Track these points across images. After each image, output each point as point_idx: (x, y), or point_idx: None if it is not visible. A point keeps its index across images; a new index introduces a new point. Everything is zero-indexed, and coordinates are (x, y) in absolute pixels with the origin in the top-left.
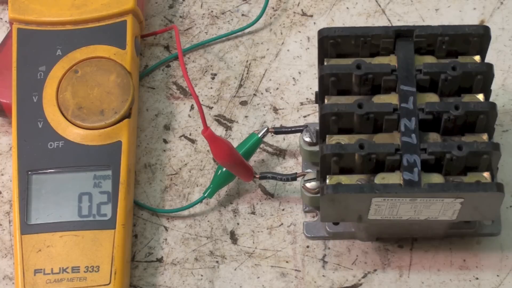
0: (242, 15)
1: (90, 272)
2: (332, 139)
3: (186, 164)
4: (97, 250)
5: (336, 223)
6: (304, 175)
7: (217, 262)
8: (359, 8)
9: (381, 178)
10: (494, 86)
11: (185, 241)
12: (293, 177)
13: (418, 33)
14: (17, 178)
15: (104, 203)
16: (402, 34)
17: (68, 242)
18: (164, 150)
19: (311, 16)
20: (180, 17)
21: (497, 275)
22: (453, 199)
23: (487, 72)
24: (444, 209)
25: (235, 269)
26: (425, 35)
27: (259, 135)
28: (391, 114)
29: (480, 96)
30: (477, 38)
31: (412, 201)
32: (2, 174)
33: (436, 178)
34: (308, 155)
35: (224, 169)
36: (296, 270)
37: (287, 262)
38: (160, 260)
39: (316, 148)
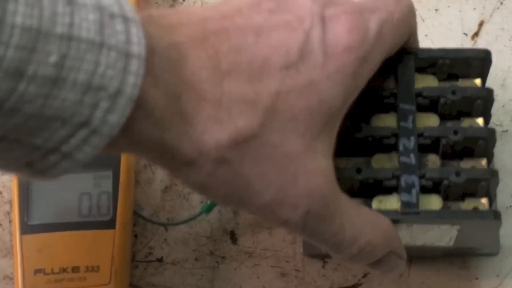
0: None
1: (90, 272)
2: None
3: None
4: (97, 250)
5: None
6: None
7: (217, 262)
8: None
9: (378, 202)
10: (494, 86)
11: (185, 241)
12: None
13: (418, 56)
14: (17, 178)
15: (104, 203)
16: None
17: (68, 242)
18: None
19: None
20: None
21: (497, 275)
22: (449, 225)
23: (487, 97)
24: (440, 236)
25: (235, 269)
26: (426, 58)
27: None
28: (389, 138)
29: (480, 120)
30: (478, 61)
31: (408, 226)
32: (2, 174)
33: (434, 199)
34: None
35: None
36: (296, 270)
37: (287, 262)
38: (160, 260)
39: None
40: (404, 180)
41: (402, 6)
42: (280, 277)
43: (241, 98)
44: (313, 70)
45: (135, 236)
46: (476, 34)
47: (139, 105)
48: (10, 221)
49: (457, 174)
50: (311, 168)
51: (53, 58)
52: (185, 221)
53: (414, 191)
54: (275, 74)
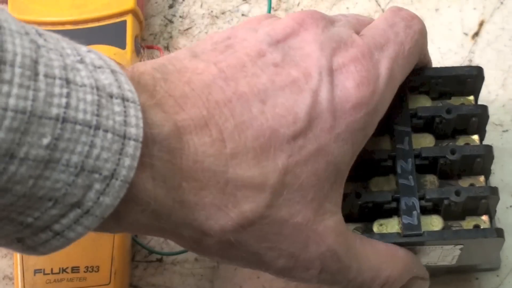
0: (242, 15)
1: (90, 272)
2: None
3: None
4: (97, 250)
5: None
6: None
7: (217, 262)
8: (359, 8)
9: (378, 225)
10: (494, 86)
11: None
12: None
13: (410, 77)
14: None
15: None
16: None
17: None
18: None
19: None
20: (180, 17)
21: (497, 275)
22: (452, 245)
23: (482, 114)
24: (443, 255)
25: (235, 269)
26: (418, 77)
27: None
28: (386, 160)
29: (475, 137)
30: (470, 79)
31: (410, 249)
32: None
33: (435, 220)
34: None
35: None
36: None
37: None
38: (160, 260)
39: None
40: (404, 202)
41: (413, 32)
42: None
43: (246, 183)
44: (321, 134)
45: (135, 236)
46: (476, 34)
47: (135, 198)
48: None
49: (457, 193)
50: (321, 231)
51: (46, 140)
52: (180, 252)
53: (415, 213)
54: (282, 147)
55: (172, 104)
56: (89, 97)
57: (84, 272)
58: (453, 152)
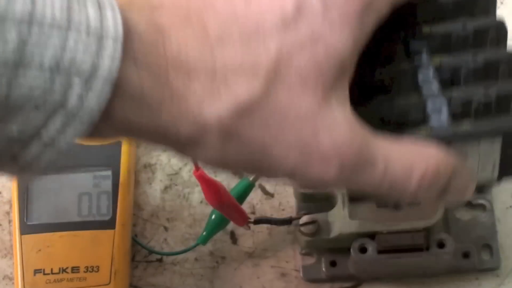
0: None
1: (89, 272)
2: None
3: (186, 163)
4: (97, 250)
5: (333, 265)
6: (299, 218)
7: (217, 262)
8: None
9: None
10: None
11: (185, 241)
12: (288, 221)
13: (421, 7)
14: (16, 178)
15: (104, 203)
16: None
17: (68, 242)
18: (164, 150)
19: None
20: None
21: (497, 275)
22: (490, 142)
23: (500, 26)
24: (482, 163)
25: (235, 269)
26: (429, 6)
27: (251, 180)
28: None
29: None
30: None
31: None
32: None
33: (466, 125)
34: (302, 197)
35: (216, 214)
36: (296, 270)
37: (287, 262)
38: (160, 260)
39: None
40: (431, 103)
41: None
42: (280, 277)
43: (237, 65)
44: (314, 21)
45: (135, 236)
46: None
47: (120, 91)
48: (9, 221)
49: (486, 90)
50: (330, 121)
51: (12, 43)
52: (180, 252)
53: (444, 110)
54: (272, 34)
55: (149, 7)
56: (57, 2)
57: (84, 272)
58: (475, 56)
